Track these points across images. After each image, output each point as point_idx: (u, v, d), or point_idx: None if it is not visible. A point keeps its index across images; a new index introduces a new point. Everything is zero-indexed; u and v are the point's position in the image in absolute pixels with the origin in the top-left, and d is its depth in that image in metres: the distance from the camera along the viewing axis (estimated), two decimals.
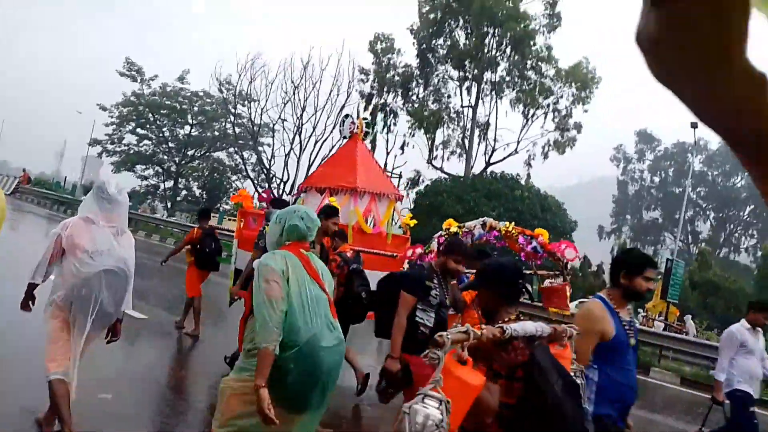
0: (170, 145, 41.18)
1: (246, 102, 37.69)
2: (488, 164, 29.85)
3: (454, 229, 5.79)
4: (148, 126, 40.31)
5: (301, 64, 35.50)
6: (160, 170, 40.75)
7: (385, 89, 31.05)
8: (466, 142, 30.79)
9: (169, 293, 8.75)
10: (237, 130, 39.98)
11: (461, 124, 31.38)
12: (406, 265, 6.25)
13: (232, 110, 38.44)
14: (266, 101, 35.18)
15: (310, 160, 36.23)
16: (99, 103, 39.25)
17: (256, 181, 38.34)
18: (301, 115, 35.22)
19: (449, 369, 1.62)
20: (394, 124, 31.00)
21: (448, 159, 31.94)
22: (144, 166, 40.47)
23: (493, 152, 29.53)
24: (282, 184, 37.54)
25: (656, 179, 57.75)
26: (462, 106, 30.75)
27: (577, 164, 30.20)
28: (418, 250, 5.96)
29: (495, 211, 25.71)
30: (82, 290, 3.19)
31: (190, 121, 40.11)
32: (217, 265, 7.15)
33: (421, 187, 30.32)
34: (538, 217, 26.15)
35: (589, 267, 28.09)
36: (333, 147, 36.31)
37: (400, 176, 36.06)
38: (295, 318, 2.38)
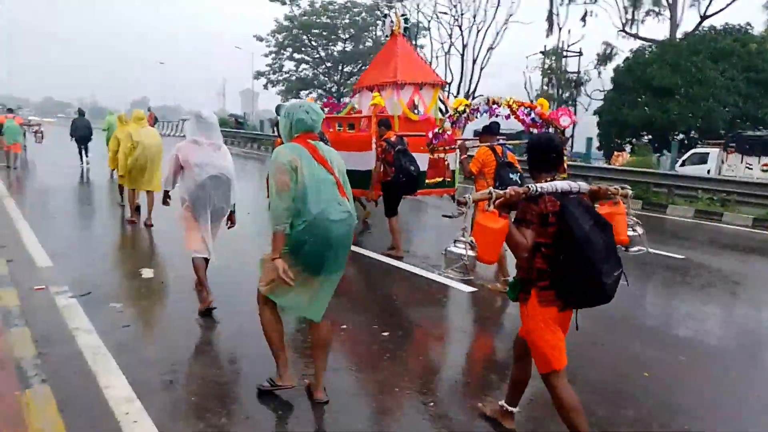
0: (327, 65, 40.62)
1: (394, 3, 35.07)
2: (704, 17, 24.12)
3: (461, 108, 6.31)
4: (303, 49, 39.99)
5: None
6: (323, 92, 40.71)
7: None
8: None
9: None
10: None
11: None
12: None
13: (380, 14, 36.20)
14: None
15: (474, 54, 33.13)
16: (255, 34, 39.60)
17: None
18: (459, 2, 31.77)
19: (477, 220, 2.40)
20: None
21: (642, 22, 26.62)
22: (308, 91, 40.73)
23: (710, 1, 23.65)
24: (447, 86, 35.15)
25: None
26: None
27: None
28: (436, 130, 6.43)
29: (726, 74, 20.80)
30: (198, 192, 4.32)
31: (342, 36, 38.78)
32: None
33: (618, 61, 25.73)
34: None
35: None
36: (497, 34, 32.69)
37: (580, 54, 31.40)
38: (306, 199, 2.79)
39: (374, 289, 5.63)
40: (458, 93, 34.02)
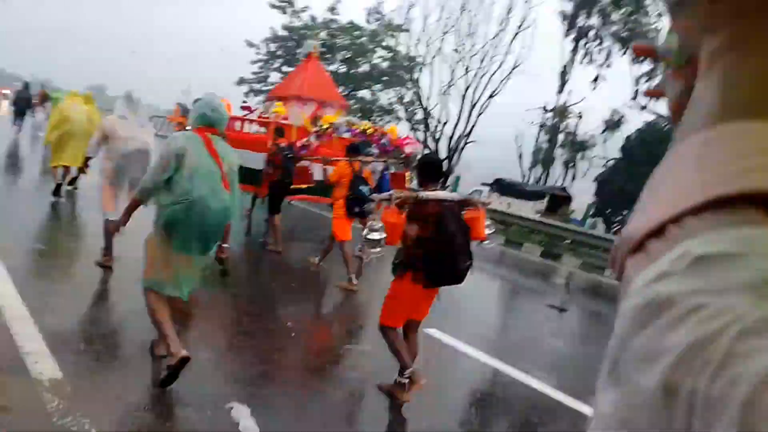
0: None
1: (398, 32, 33.91)
2: None
3: (325, 125, 7.58)
4: (295, 63, 38.04)
5: None
6: None
7: (587, 9, 25.51)
8: None
9: None
10: (385, 65, 36.46)
11: None
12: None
13: (386, 42, 34.94)
14: (434, 30, 31.10)
15: (474, 98, 32.09)
16: (247, 39, 37.46)
17: (411, 123, 34.96)
18: (471, 44, 30.85)
19: (383, 216, 3.33)
20: (599, 53, 25.77)
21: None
22: None
23: None
24: (440, 125, 33.89)
25: None
26: None
27: None
28: (303, 141, 7.57)
29: None
30: (121, 162, 5.09)
31: (339, 56, 37.04)
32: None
33: (630, 132, 25.07)
34: None
35: None
36: (501, 82, 31.85)
37: (580, 116, 30.93)
38: (188, 182, 3.12)
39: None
40: (453, 134, 32.79)
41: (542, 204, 20.89)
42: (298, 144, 7.42)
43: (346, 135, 7.58)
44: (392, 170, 7.92)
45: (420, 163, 3.80)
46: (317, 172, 7.77)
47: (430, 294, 3.59)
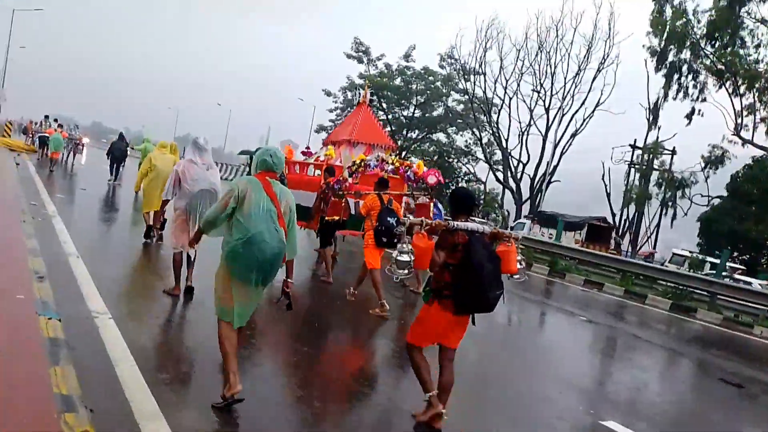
0: (392, 128, 39.22)
1: (472, 76, 33.82)
2: None
3: (358, 160, 8.28)
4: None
5: (552, 23, 30.60)
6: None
7: (677, 43, 24.30)
8: None
9: None
10: (459, 107, 36.39)
11: None
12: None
13: (461, 85, 34.96)
14: (511, 72, 30.68)
15: (555, 138, 31.17)
16: (324, 88, 38.79)
17: (490, 164, 34.43)
18: (551, 83, 30.21)
19: (413, 240, 3.45)
20: (695, 87, 24.36)
21: (755, 128, 24.35)
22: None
23: None
24: (521, 165, 33.11)
25: None
26: None
27: None
28: (339, 177, 7.96)
29: None
30: (191, 201, 5.65)
31: (414, 101, 37.41)
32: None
33: (730, 167, 23.24)
34: None
35: None
36: (583, 121, 30.82)
37: (674, 152, 29.17)
38: (248, 220, 3.47)
39: None
40: (535, 174, 31.89)
41: (580, 234, 21.78)
42: (333, 180, 7.87)
43: (376, 170, 8.07)
44: (418, 201, 8.64)
45: (452, 195, 3.88)
46: (352, 206, 8.25)
47: (461, 321, 3.64)
